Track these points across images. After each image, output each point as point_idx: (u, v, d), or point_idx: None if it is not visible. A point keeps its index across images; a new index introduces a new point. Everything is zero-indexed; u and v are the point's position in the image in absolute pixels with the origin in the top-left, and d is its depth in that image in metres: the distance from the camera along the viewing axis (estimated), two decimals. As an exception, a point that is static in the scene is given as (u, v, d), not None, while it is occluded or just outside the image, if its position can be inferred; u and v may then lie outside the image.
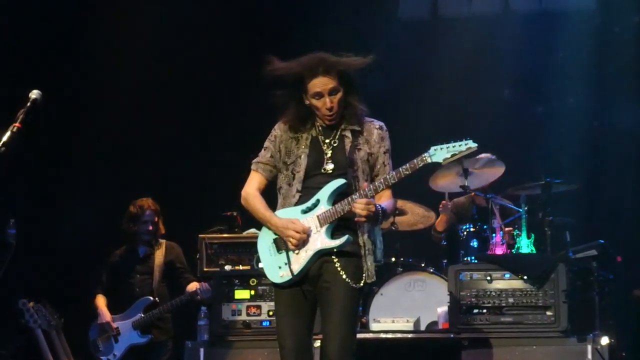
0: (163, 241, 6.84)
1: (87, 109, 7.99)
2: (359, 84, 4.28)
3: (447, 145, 4.09)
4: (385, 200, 4.28)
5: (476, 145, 4.08)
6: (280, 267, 4.25)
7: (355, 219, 4.13)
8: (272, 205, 4.40)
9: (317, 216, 4.19)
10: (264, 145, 4.42)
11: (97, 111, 7.98)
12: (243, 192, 4.40)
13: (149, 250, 6.78)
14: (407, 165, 4.11)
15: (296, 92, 4.27)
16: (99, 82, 7.95)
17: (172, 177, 7.88)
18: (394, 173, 4.15)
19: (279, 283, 4.26)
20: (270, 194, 4.45)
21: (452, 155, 4.08)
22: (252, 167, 4.42)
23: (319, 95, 4.21)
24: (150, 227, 6.71)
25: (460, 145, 4.08)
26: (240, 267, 6.35)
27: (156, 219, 6.75)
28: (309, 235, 4.19)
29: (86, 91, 7.99)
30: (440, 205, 7.10)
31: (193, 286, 6.57)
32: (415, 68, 8.09)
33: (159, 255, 6.74)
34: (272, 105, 4.35)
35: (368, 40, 7.58)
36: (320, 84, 4.19)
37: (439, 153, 4.08)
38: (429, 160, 4.09)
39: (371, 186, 4.15)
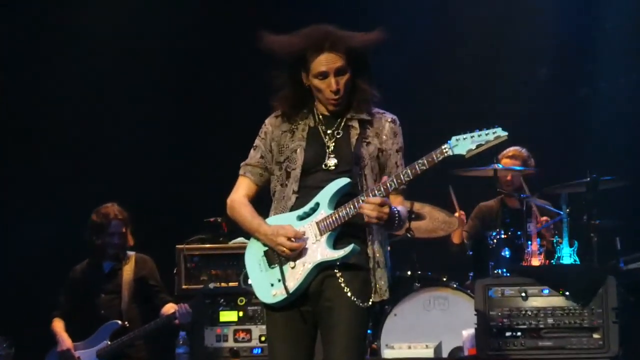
0: (132, 254, 6.74)
1: (46, 101, 8.02)
2: (371, 65, 4.18)
3: (472, 134, 3.94)
4: (397, 203, 4.14)
5: (506, 134, 3.91)
6: (272, 285, 4.12)
7: (366, 219, 3.99)
8: (267, 215, 4.26)
9: (317, 223, 4.05)
10: (254, 145, 4.30)
11: (56, 103, 7.99)
12: (228, 200, 4.28)
13: (116, 265, 6.70)
14: (424, 159, 3.95)
15: (296, 71, 4.15)
16: (59, 74, 8.04)
17: (144, 177, 7.85)
18: (407, 169, 3.97)
19: (272, 304, 4.13)
20: (265, 202, 4.34)
21: (478, 147, 3.93)
22: (240, 171, 4.30)
23: (324, 75, 4.08)
24: (117, 240, 6.63)
25: (487, 135, 3.93)
26: (227, 284, 6.31)
27: (124, 229, 6.65)
28: (305, 245, 4.07)
29: (45, 83, 8.06)
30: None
31: (170, 308, 6.45)
32: (434, 45, 8.05)
33: (128, 271, 6.66)
34: (263, 93, 4.24)
35: (379, 13, 7.54)
36: (325, 61, 4.07)
37: (461, 144, 3.95)
38: (450, 153, 3.94)
39: (381, 185, 3.99)
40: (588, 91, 8.06)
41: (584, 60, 8.04)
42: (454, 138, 3.97)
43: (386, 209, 3.96)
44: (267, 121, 4.30)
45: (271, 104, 4.28)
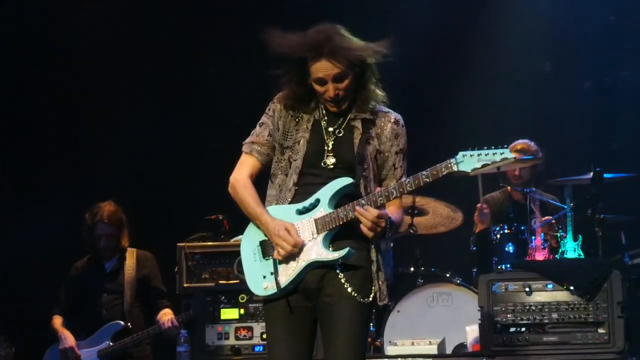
0: (133, 250, 6.76)
1: (47, 97, 8.08)
2: (376, 68, 4.18)
3: (479, 152, 4.02)
4: (394, 209, 4.23)
5: (513, 156, 4.03)
6: (264, 277, 4.17)
7: (361, 227, 4.05)
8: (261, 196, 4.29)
9: (315, 220, 4.11)
10: (260, 121, 4.31)
11: (56, 100, 8.06)
12: (232, 179, 4.29)
13: (117, 264, 6.72)
14: (429, 171, 4.04)
15: (300, 69, 4.17)
16: (65, 68, 8.07)
17: (145, 175, 7.88)
18: (411, 179, 4.07)
19: (261, 296, 4.19)
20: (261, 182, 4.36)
21: (483, 166, 4.03)
22: (244, 148, 4.32)
23: (322, 81, 4.13)
24: (103, 243, 6.64)
25: (494, 155, 4.01)
26: (228, 281, 6.36)
27: (112, 232, 6.63)
28: (303, 244, 4.12)
29: (53, 80, 8.07)
30: (476, 212, 7.04)
31: (164, 315, 6.56)
32: (440, 37, 8.02)
33: (129, 269, 6.67)
34: (263, 90, 4.31)
35: (386, 7, 7.58)
36: (323, 68, 4.10)
37: (467, 161, 4.02)
38: (454, 169, 4.03)
39: (383, 191, 4.08)
40: (593, 84, 8.02)
41: (588, 53, 8.01)
42: (460, 153, 4.05)
43: (382, 223, 4.05)
44: (275, 99, 4.31)
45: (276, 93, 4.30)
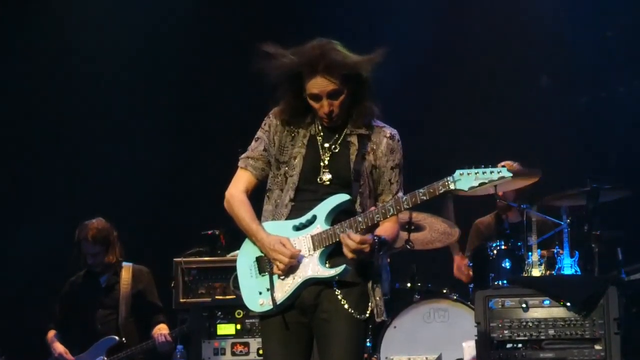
0: (129, 265, 6.76)
1: (45, 113, 8.12)
2: (370, 81, 4.19)
3: (477, 170, 4.05)
4: (390, 225, 4.24)
5: (511, 175, 4.04)
6: (260, 293, 4.18)
7: (344, 251, 4.07)
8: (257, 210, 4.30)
9: (312, 236, 4.13)
10: (256, 136, 4.33)
11: (55, 115, 8.09)
12: (227, 194, 4.30)
13: (113, 279, 6.73)
14: (426, 189, 4.05)
15: (294, 86, 4.19)
16: (57, 84, 8.09)
17: (141, 189, 7.88)
18: (408, 197, 4.08)
19: (257, 312, 4.21)
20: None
21: (481, 184, 4.05)
22: (240, 163, 4.33)
23: (317, 97, 4.15)
24: (90, 260, 6.65)
25: (492, 173, 4.04)
26: (224, 297, 6.37)
27: (97, 250, 6.63)
28: (299, 260, 4.14)
29: (44, 94, 8.10)
30: (455, 268, 7.23)
31: (158, 330, 6.58)
32: (433, 50, 8.05)
33: (125, 285, 6.68)
34: (257, 107, 4.33)
35: (378, 18, 7.59)
36: (318, 84, 4.12)
37: (465, 179, 4.04)
38: (452, 187, 4.04)
39: (380, 209, 4.09)
40: (589, 100, 8.03)
41: (584, 69, 8.02)
42: (457, 172, 4.06)
43: (366, 249, 4.06)
44: (271, 114, 4.33)
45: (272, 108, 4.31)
